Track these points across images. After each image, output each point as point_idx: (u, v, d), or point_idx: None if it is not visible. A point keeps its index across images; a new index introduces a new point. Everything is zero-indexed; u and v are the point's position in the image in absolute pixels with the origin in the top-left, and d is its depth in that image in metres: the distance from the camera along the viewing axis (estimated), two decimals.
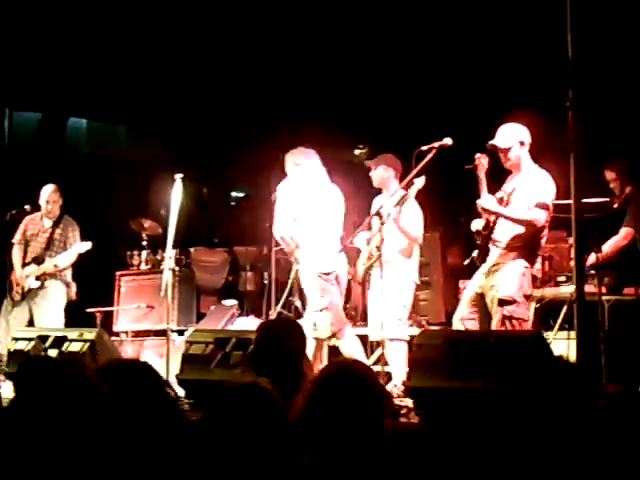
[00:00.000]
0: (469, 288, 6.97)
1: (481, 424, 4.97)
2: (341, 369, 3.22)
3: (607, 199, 7.92)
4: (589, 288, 6.85)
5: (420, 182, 7.42)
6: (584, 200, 5.86)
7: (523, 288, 6.55)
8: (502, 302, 6.52)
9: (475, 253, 6.89)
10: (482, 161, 6.78)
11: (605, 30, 8.47)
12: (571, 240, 6.82)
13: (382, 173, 7.84)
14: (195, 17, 10.67)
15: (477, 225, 6.89)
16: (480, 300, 6.72)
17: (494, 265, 6.73)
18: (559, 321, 7.36)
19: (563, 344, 7.04)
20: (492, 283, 6.67)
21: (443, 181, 8.23)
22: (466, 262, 7.13)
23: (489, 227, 6.82)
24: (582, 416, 3.06)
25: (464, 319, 6.78)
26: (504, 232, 6.74)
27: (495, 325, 6.55)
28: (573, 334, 6.00)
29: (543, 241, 6.75)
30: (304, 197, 7.90)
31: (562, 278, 7.67)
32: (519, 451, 3.14)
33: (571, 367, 3.68)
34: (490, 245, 6.81)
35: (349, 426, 2.91)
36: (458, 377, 5.75)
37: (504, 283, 6.58)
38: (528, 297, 6.64)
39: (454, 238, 9.98)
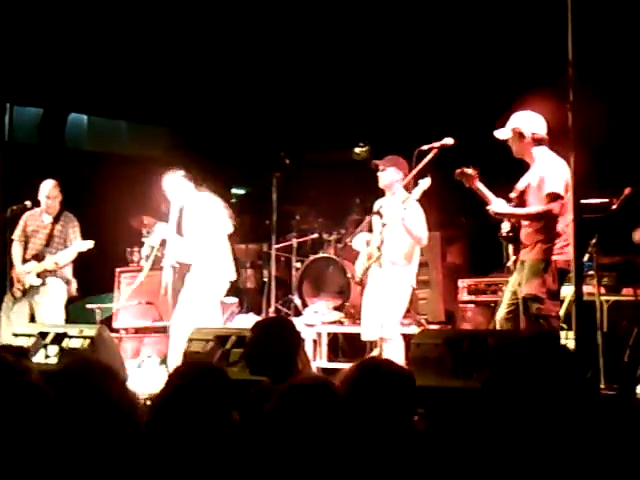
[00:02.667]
0: (507, 288, 6.98)
1: (480, 423, 4.99)
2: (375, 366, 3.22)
3: (606, 200, 7.93)
4: (588, 289, 6.88)
5: (425, 183, 7.42)
6: (583, 201, 5.85)
7: (546, 284, 6.54)
8: (527, 300, 6.56)
9: (511, 260, 6.91)
10: (467, 173, 6.81)
11: (609, 27, 8.49)
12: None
13: (393, 175, 7.82)
14: (196, 12, 10.67)
15: (505, 228, 6.89)
16: (515, 299, 6.74)
17: (522, 263, 6.75)
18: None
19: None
20: (520, 281, 6.70)
21: (443, 181, 8.23)
22: (508, 264, 7.11)
23: (515, 228, 6.83)
24: (580, 417, 3.08)
25: (506, 319, 6.79)
26: (525, 231, 6.76)
27: (524, 324, 6.58)
28: (571, 334, 6.02)
29: (567, 230, 6.51)
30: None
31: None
32: (518, 450, 3.17)
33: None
34: (519, 245, 6.82)
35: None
36: (457, 376, 5.77)
37: (527, 280, 6.61)
38: (554, 292, 6.61)
39: (454, 238, 10.02)
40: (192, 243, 8.14)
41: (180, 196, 8.28)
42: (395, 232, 7.53)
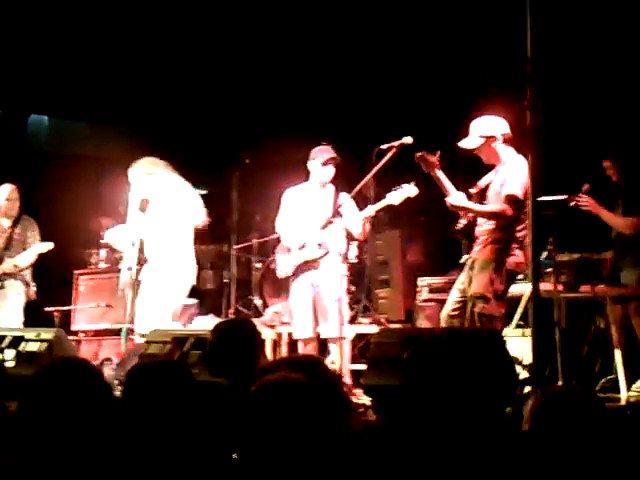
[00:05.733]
0: (455, 285, 6.95)
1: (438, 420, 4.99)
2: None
3: (564, 197, 7.95)
4: (546, 286, 6.89)
5: (411, 191, 7.37)
6: (541, 198, 5.86)
7: (494, 284, 6.54)
8: (473, 299, 6.55)
9: (464, 256, 6.91)
10: (427, 158, 6.71)
11: (567, 25, 8.53)
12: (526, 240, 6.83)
13: (329, 168, 7.83)
14: (156, 13, 10.62)
15: (461, 223, 6.86)
16: (463, 297, 6.73)
17: (472, 262, 6.75)
18: (516, 318, 7.41)
19: (519, 342, 7.06)
20: (469, 280, 6.69)
21: (403, 180, 8.23)
22: (461, 261, 7.11)
23: (470, 224, 6.82)
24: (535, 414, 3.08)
25: (450, 316, 6.78)
26: (479, 228, 6.75)
27: (468, 322, 6.57)
28: (529, 331, 6.03)
29: (520, 234, 6.58)
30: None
31: (520, 276, 7.70)
32: (475, 447, 3.16)
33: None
34: (472, 242, 6.82)
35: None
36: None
37: (476, 279, 6.60)
38: (501, 293, 6.60)
39: (413, 237, 10.01)
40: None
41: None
42: (340, 227, 7.50)
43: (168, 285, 7.89)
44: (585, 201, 7.29)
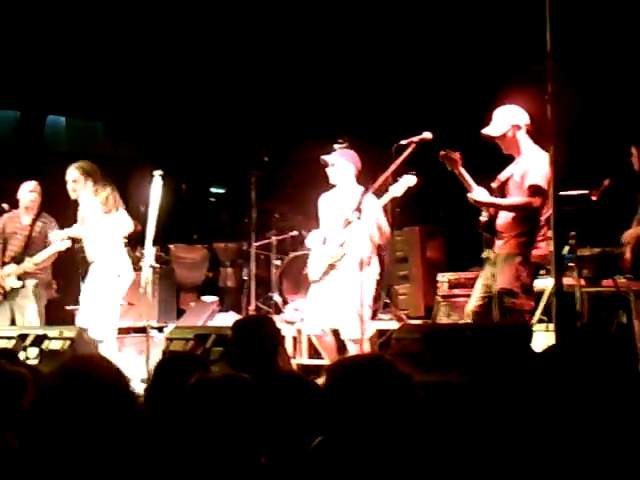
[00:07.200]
0: (479, 280, 6.95)
1: (459, 416, 4.99)
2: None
3: (586, 191, 7.93)
4: (568, 280, 6.86)
5: (411, 180, 7.37)
6: (562, 192, 5.83)
7: (521, 278, 6.53)
8: (501, 294, 6.53)
9: (486, 252, 6.90)
10: (451, 156, 6.73)
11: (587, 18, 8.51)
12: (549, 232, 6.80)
13: (343, 170, 7.81)
14: (172, 13, 10.65)
15: (483, 218, 6.85)
16: (487, 292, 6.72)
17: (496, 256, 6.73)
18: (538, 313, 7.37)
19: (542, 336, 7.04)
20: (494, 274, 6.68)
21: (422, 175, 8.21)
22: (483, 255, 7.11)
23: (492, 219, 6.80)
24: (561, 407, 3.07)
25: (475, 312, 6.77)
26: (501, 222, 6.73)
27: (497, 317, 6.56)
28: (551, 326, 6.01)
29: (542, 225, 6.57)
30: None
31: (541, 271, 7.68)
32: (497, 442, 3.15)
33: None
34: (494, 236, 6.80)
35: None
36: (437, 370, 5.76)
37: (501, 274, 6.59)
38: (528, 286, 6.60)
39: (433, 232, 10.00)
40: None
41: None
42: (361, 229, 7.45)
43: (105, 285, 8.37)
44: None
